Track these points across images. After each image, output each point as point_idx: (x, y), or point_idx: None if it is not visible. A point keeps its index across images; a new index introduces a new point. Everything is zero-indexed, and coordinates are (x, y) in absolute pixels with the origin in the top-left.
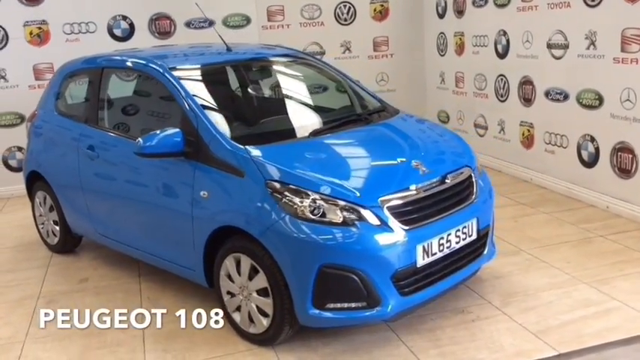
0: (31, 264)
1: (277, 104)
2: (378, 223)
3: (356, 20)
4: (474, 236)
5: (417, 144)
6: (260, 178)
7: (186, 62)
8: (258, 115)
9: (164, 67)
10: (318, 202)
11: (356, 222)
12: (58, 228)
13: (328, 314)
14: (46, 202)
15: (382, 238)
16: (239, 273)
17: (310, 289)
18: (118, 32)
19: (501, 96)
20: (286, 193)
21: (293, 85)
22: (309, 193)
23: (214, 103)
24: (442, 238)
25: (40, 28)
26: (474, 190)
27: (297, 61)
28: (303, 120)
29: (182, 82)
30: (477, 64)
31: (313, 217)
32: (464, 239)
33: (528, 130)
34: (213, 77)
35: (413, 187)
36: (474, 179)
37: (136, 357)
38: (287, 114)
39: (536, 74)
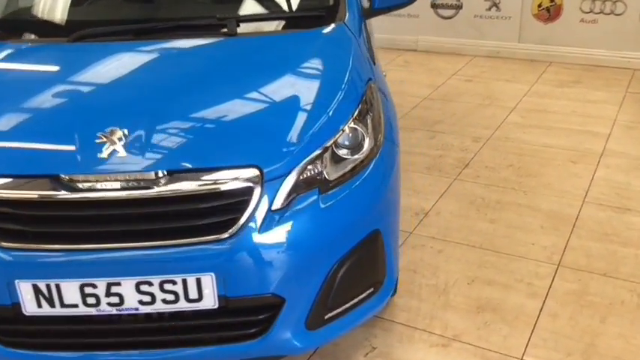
0: None
1: None
2: None
3: None
4: (210, 304)
5: (191, 98)
6: None
7: None
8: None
9: None
10: None
11: None
12: None
13: None
14: None
15: None
16: None
17: None
18: None
19: None
20: None
21: None
22: None
23: None
24: (94, 285)
25: None
26: (242, 219)
27: None
28: (117, 11)
29: None
30: None
31: None
32: (170, 302)
33: None
34: None
35: (70, 177)
36: (253, 198)
37: None
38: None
39: None
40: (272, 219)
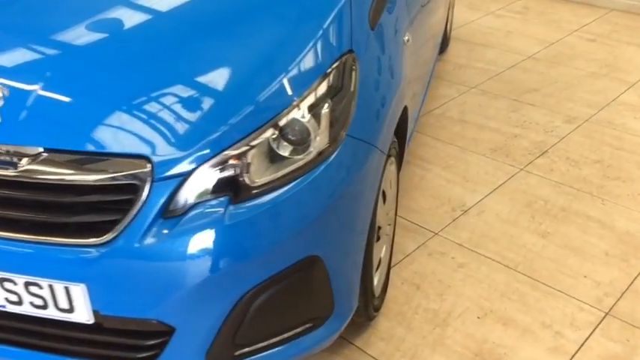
0: None
1: None
2: None
3: None
4: (84, 319)
5: (97, 57)
6: None
7: None
8: None
9: None
10: None
11: None
12: None
13: None
14: None
15: None
16: None
17: None
18: None
19: None
20: None
21: None
22: None
23: None
24: None
25: None
26: (122, 223)
27: None
28: None
29: None
30: None
31: None
32: (39, 306)
33: None
34: None
35: None
36: (139, 198)
37: None
38: None
39: None
40: (161, 228)
